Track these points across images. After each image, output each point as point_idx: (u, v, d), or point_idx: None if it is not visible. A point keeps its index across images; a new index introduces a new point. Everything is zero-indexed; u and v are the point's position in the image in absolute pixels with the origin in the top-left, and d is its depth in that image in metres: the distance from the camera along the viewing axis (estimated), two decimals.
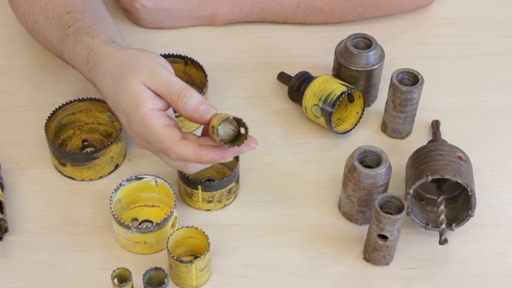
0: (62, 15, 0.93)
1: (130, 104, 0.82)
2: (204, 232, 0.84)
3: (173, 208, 0.86)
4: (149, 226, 0.85)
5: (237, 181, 0.92)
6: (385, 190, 0.88)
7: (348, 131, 0.99)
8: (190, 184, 0.90)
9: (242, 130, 0.79)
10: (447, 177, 0.84)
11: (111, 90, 0.84)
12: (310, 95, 0.97)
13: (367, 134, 1.01)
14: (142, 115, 0.81)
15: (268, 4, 1.10)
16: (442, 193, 0.89)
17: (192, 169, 0.85)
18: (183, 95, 0.80)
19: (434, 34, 1.14)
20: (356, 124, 1.00)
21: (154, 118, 0.81)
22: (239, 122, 0.80)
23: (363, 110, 0.99)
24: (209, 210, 0.92)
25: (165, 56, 1.02)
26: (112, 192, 0.87)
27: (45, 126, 0.93)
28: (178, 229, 0.85)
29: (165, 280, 0.81)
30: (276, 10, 1.11)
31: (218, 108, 1.02)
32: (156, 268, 0.82)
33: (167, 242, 0.83)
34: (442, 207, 0.87)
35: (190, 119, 0.81)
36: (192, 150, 0.80)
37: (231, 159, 0.81)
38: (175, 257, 0.82)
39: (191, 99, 0.80)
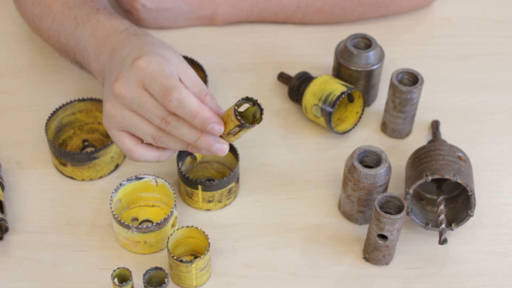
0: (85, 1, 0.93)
1: (160, 43, 0.83)
2: (204, 232, 0.84)
3: (173, 208, 0.86)
4: (149, 226, 0.85)
5: (237, 181, 0.92)
6: (385, 190, 0.88)
7: (348, 131, 0.99)
8: (190, 184, 0.90)
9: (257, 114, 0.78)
10: (446, 177, 0.85)
11: (139, 44, 0.84)
12: (310, 95, 0.97)
13: (367, 134, 1.01)
14: (170, 50, 0.82)
15: (268, 4, 1.10)
16: (441, 193, 0.89)
17: (181, 129, 0.79)
18: (211, 93, 0.81)
19: (434, 34, 1.14)
20: (356, 124, 1.00)
21: (177, 59, 0.81)
22: (254, 103, 0.78)
23: (363, 110, 0.99)
24: (209, 210, 0.92)
25: None
26: (112, 192, 0.87)
27: (45, 126, 0.93)
28: (178, 229, 0.85)
29: (165, 280, 0.81)
30: (276, 10, 1.11)
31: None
32: (156, 268, 0.82)
33: (167, 242, 0.83)
34: (442, 207, 0.87)
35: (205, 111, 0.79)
36: (196, 99, 0.78)
37: (220, 130, 0.78)
38: (175, 257, 0.82)
39: (213, 99, 0.81)
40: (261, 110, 0.78)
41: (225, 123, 0.79)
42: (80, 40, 0.90)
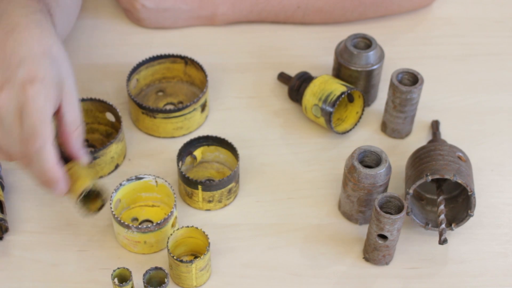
0: None
1: (58, 50, 0.80)
2: (204, 232, 0.84)
3: (173, 208, 0.86)
4: (149, 226, 0.85)
5: (237, 181, 0.92)
6: (385, 190, 0.88)
7: (348, 131, 0.99)
8: (190, 184, 0.90)
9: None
10: (446, 177, 0.85)
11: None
12: (310, 95, 0.97)
13: (367, 134, 1.01)
14: (65, 67, 0.79)
15: (268, 4, 1.10)
16: (441, 193, 0.89)
17: (33, 170, 0.79)
18: (81, 130, 0.81)
19: (434, 34, 1.14)
20: (356, 124, 1.00)
21: (68, 81, 0.79)
22: (98, 193, 0.81)
23: (363, 110, 0.99)
24: (209, 210, 0.92)
25: (165, 56, 1.02)
26: (112, 192, 0.88)
27: None
28: (178, 229, 0.85)
29: (165, 280, 0.81)
30: (276, 10, 1.11)
31: (218, 108, 1.02)
32: (156, 268, 0.82)
33: (167, 242, 0.83)
34: (442, 207, 0.87)
35: (65, 140, 0.81)
36: (55, 158, 0.77)
37: (62, 193, 0.80)
38: (175, 257, 0.82)
39: (80, 137, 0.81)
40: (101, 205, 0.81)
41: (75, 181, 0.80)
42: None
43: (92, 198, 0.81)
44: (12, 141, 0.77)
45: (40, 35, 0.80)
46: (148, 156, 0.97)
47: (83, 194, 0.80)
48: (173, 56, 1.02)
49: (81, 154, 0.81)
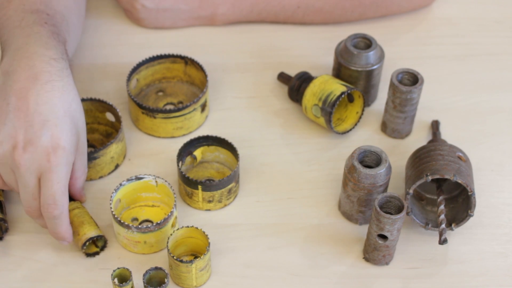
0: (40, 9, 0.91)
1: (77, 106, 0.85)
2: (204, 232, 0.84)
3: (173, 208, 0.86)
4: (149, 226, 0.85)
5: (237, 181, 0.92)
6: (385, 190, 0.88)
7: (348, 131, 0.99)
8: (190, 184, 0.90)
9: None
10: (446, 177, 0.85)
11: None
12: (310, 95, 0.97)
13: (367, 134, 1.01)
14: (81, 123, 0.86)
15: (268, 4, 1.10)
16: (441, 193, 0.89)
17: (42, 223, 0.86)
18: (84, 177, 0.88)
19: (434, 34, 1.14)
20: (356, 124, 1.00)
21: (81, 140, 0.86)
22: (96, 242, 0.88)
23: (363, 110, 0.99)
24: (209, 210, 0.92)
25: (165, 56, 1.02)
26: (112, 192, 0.88)
27: None
28: (178, 229, 0.85)
29: (165, 280, 0.81)
30: (276, 10, 1.11)
31: (218, 108, 1.02)
32: (156, 268, 0.82)
33: (167, 242, 0.83)
34: (442, 207, 0.87)
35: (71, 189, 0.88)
36: (67, 223, 0.84)
37: (66, 242, 0.86)
38: (175, 257, 0.82)
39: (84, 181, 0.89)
40: (102, 249, 0.88)
41: (79, 226, 0.86)
42: (10, 36, 0.88)
43: (92, 242, 0.87)
44: (28, 195, 0.83)
45: (62, 91, 0.84)
46: (148, 156, 0.97)
47: (87, 242, 0.85)
48: (173, 56, 1.02)
49: (82, 195, 0.90)
